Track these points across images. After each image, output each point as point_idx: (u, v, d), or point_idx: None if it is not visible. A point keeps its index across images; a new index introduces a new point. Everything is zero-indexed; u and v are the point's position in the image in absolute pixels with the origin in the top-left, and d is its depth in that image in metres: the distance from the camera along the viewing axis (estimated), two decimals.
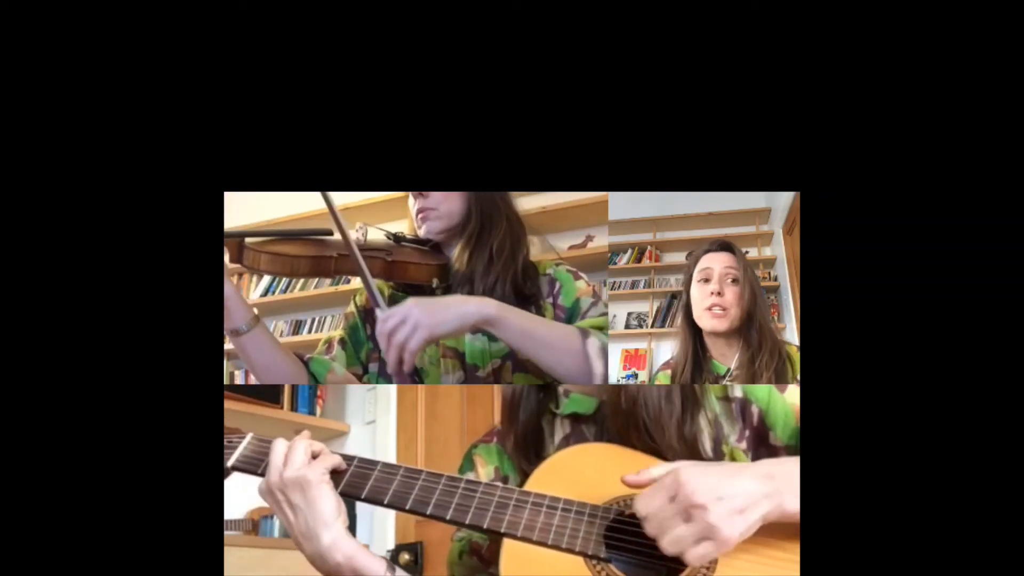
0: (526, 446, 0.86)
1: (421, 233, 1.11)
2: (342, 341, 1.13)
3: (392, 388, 2.68)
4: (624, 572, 0.70)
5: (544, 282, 1.09)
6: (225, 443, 0.85)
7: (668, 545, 0.66)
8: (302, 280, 3.08)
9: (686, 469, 0.69)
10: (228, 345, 1.04)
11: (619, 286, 3.42)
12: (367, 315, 1.15)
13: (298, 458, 0.79)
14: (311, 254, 1.01)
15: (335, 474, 0.81)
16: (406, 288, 1.11)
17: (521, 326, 0.93)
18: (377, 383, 1.13)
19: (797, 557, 0.71)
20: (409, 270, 1.07)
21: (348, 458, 0.82)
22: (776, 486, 0.69)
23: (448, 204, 1.09)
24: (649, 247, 3.45)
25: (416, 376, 0.98)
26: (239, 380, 3.06)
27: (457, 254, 1.09)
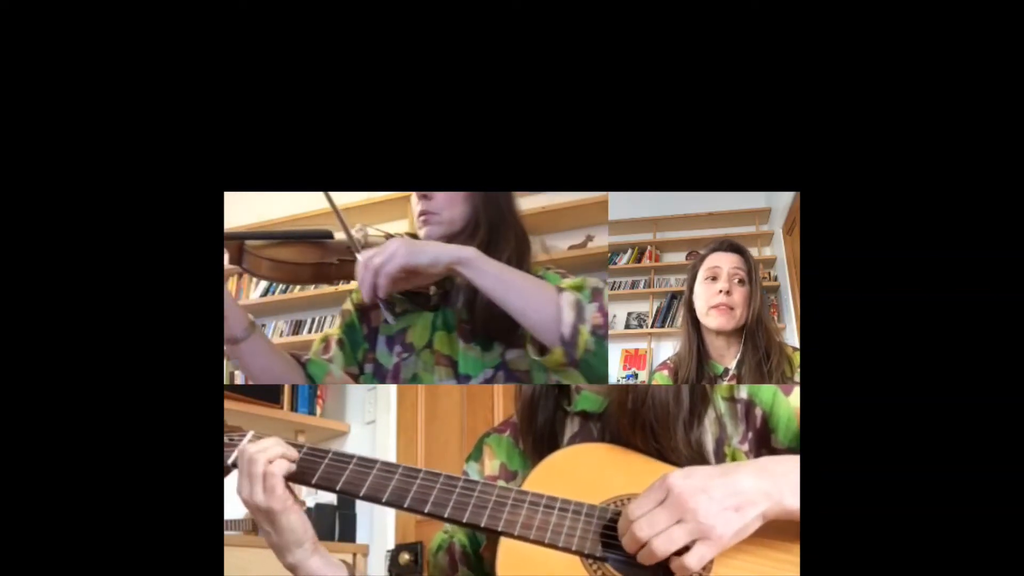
0: (542, 447, 0.86)
1: (421, 236, 1.11)
2: (340, 341, 1.13)
3: (392, 388, 2.68)
4: (620, 571, 0.71)
5: None
6: (226, 441, 0.85)
7: (659, 544, 0.66)
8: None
9: (676, 473, 0.70)
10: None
11: (619, 286, 3.42)
12: (363, 314, 1.15)
13: (258, 490, 0.80)
14: (313, 261, 1.00)
15: (334, 471, 0.82)
16: (404, 293, 1.11)
17: (497, 272, 0.94)
18: (372, 383, 1.13)
19: (795, 557, 0.71)
20: None
21: (347, 456, 0.82)
22: (776, 482, 0.69)
23: (451, 210, 1.08)
24: (649, 247, 3.45)
25: (389, 308, 0.98)
26: (239, 380, 3.06)
27: None
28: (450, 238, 1.09)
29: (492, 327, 1.04)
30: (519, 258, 1.08)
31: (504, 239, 1.08)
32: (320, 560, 0.82)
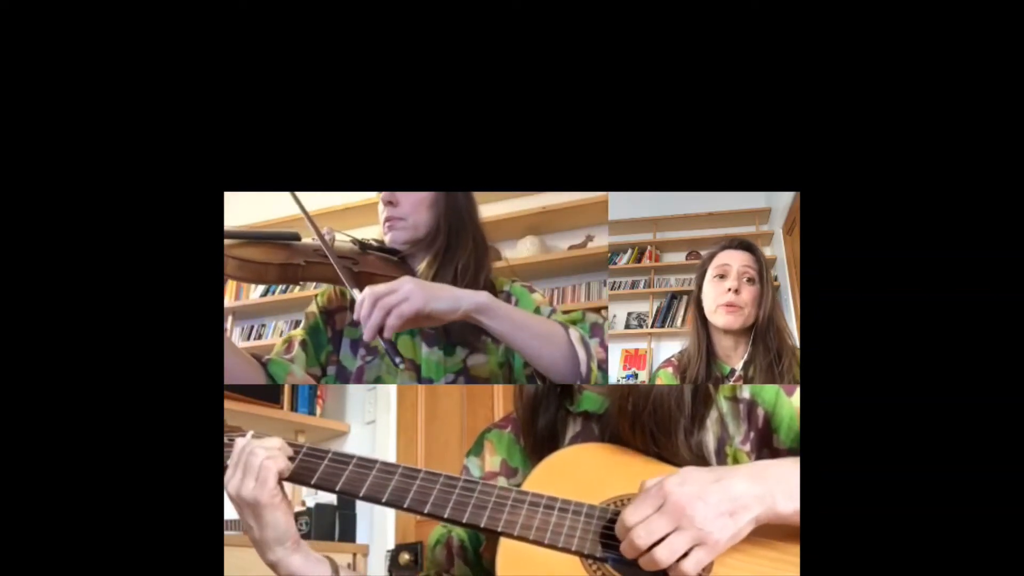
0: (542, 447, 0.86)
1: (387, 241, 1.12)
2: (303, 342, 1.14)
3: (392, 388, 2.68)
4: (620, 572, 0.71)
5: (501, 299, 1.09)
6: (226, 441, 0.85)
7: (660, 553, 0.67)
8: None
9: (672, 479, 0.70)
10: None
11: (619, 286, 3.42)
12: (328, 317, 1.16)
13: (250, 482, 0.79)
14: (279, 261, 1.00)
15: (334, 471, 0.82)
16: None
17: (512, 316, 0.95)
18: (334, 384, 1.13)
19: (792, 558, 0.71)
20: (375, 280, 1.04)
21: (347, 456, 0.82)
22: (768, 487, 0.69)
23: (416, 215, 1.10)
24: (649, 247, 3.45)
25: (394, 349, 0.95)
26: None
27: (423, 270, 1.10)
28: (414, 243, 1.11)
29: (455, 332, 1.05)
30: (477, 263, 1.10)
31: (463, 245, 1.10)
32: (301, 558, 0.81)
